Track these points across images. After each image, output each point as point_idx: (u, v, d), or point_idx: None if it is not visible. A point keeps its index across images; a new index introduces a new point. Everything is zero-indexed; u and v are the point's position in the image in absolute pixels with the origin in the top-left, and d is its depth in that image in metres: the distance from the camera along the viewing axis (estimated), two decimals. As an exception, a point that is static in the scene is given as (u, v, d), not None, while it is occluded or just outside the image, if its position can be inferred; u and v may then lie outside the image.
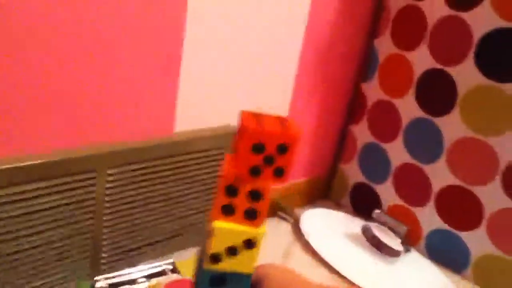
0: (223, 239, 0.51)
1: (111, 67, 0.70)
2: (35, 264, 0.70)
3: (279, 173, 0.50)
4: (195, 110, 0.85)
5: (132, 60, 0.72)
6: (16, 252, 0.67)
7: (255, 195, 0.50)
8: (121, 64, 0.71)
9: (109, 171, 0.73)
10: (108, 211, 0.75)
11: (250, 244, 0.52)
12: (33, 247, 0.68)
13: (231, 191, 0.50)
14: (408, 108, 1.04)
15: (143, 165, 0.77)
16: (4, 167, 0.61)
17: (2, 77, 0.60)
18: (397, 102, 1.06)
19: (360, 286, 0.90)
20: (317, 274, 0.93)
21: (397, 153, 1.08)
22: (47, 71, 0.64)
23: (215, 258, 0.51)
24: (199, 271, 0.53)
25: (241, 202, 0.50)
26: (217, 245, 0.51)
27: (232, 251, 0.51)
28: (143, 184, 0.78)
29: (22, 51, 0.61)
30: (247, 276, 0.53)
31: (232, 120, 0.92)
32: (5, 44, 0.59)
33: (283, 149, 0.48)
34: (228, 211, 0.51)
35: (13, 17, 0.59)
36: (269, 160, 0.48)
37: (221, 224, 0.51)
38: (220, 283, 0.52)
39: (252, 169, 0.48)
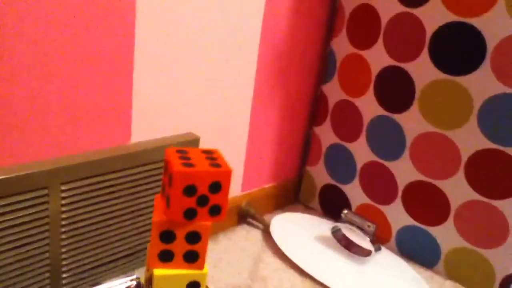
0: (165, 286, 0.48)
1: (61, 76, 0.68)
2: (-12, 290, 0.66)
3: (215, 212, 0.47)
4: (151, 119, 0.83)
5: (82, 68, 0.70)
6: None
7: (193, 237, 0.47)
8: (72, 73, 0.69)
9: (63, 187, 0.70)
10: (65, 229, 0.72)
11: (194, 287, 0.49)
12: (-16, 272, 0.65)
13: (167, 237, 0.47)
14: (369, 106, 1.04)
15: (99, 179, 0.74)
16: None
17: None
18: (357, 101, 1.06)
19: (332, 287, 0.90)
20: (289, 278, 0.92)
21: (361, 152, 1.08)
22: (-11, 86, 0.62)
23: None
24: None
25: (179, 246, 0.47)
26: None
27: None
28: (101, 198, 0.76)
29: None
30: None
31: (192, 127, 0.90)
32: None
33: (215, 187, 0.46)
34: (166, 257, 0.48)
35: None
36: (202, 201, 0.46)
37: (160, 272, 0.48)
38: None
39: (187, 212, 0.46)
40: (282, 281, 0.91)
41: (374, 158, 1.06)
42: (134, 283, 0.81)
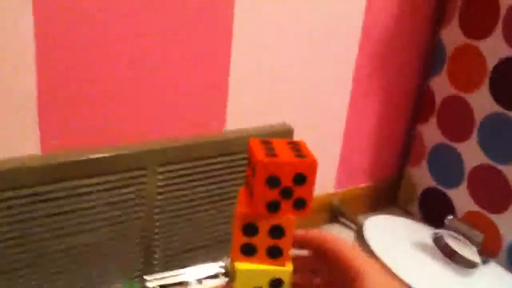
0: (247, 281, 0.46)
1: (163, 65, 0.70)
2: (85, 262, 0.69)
3: (300, 205, 0.44)
4: (246, 108, 0.82)
5: (181, 57, 0.71)
6: (66, 249, 0.67)
7: (277, 232, 0.44)
8: (172, 62, 0.71)
9: (160, 169, 0.72)
10: (159, 210, 0.74)
11: (277, 284, 0.47)
12: (83, 245, 0.68)
13: (250, 229, 0.44)
14: (482, 103, 0.94)
15: (194, 163, 0.75)
16: (54, 162, 0.62)
17: (59, 74, 0.62)
18: (469, 97, 0.97)
19: (431, 299, 0.82)
20: (382, 284, 0.85)
21: (471, 153, 0.98)
22: (101, 69, 0.65)
23: None
24: None
25: (262, 240, 0.45)
26: None
27: None
28: (195, 183, 0.77)
29: (77, 49, 0.62)
30: None
31: (287, 118, 0.88)
32: (65, 42, 0.61)
33: (300, 179, 0.43)
34: (248, 251, 0.46)
35: (72, 21, 0.60)
36: (286, 193, 0.42)
37: (243, 266, 0.46)
38: None
39: (270, 205, 0.42)
40: (375, 285, 0.85)
41: (487, 160, 0.95)
42: (223, 270, 0.81)
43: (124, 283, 0.74)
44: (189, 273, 0.76)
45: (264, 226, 0.45)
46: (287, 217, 0.45)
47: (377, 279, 0.45)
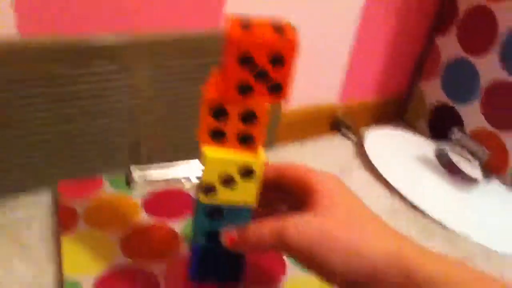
0: (215, 168, 0.43)
1: None
2: (69, 151, 0.69)
3: (275, 90, 0.40)
4: (246, 4, 0.77)
5: None
6: (47, 138, 0.66)
7: (248, 117, 0.42)
8: None
9: (150, 62, 0.69)
10: (148, 103, 0.72)
11: (248, 173, 0.44)
12: (65, 133, 0.67)
13: (219, 113, 0.41)
14: (509, 15, 0.86)
15: (186, 61, 0.72)
16: (33, 45, 0.60)
17: None
18: (495, 7, 0.88)
19: (426, 212, 0.80)
20: (377, 195, 0.84)
21: (489, 68, 0.91)
22: None
23: (209, 189, 0.44)
24: (195, 202, 0.46)
25: (232, 126, 0.42)
26: (209, 175, 0.43)
27: (227, 181, 0.44)
28: (188, 81, 0.74)
29: None
30: (247, 208, 0.46)
31: (291, 18, 0.82)
32: None
33: (277, 60, 0.39)
34: (218, 136, 0.43)
35: None
36: (260, 75, 0.39)
37: (211, 152, 0.43)
38: (217, 216, 0.46)
39: (241, 87, 0.40)
40: (369, 195, 0.84)
41: (505, 77, 0.89)
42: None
43: (109, 174, 0.74)
44: (177, 170, 0.76)
45: (234, 110, 0.42)
46: (260, 101, 0.42)
47: (333, 191, 0.44)
